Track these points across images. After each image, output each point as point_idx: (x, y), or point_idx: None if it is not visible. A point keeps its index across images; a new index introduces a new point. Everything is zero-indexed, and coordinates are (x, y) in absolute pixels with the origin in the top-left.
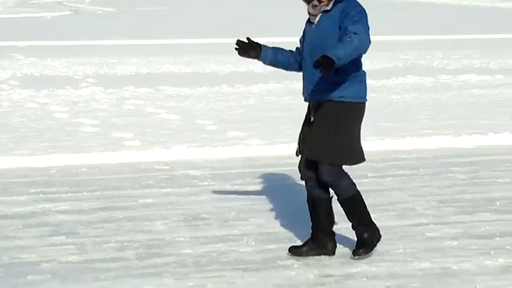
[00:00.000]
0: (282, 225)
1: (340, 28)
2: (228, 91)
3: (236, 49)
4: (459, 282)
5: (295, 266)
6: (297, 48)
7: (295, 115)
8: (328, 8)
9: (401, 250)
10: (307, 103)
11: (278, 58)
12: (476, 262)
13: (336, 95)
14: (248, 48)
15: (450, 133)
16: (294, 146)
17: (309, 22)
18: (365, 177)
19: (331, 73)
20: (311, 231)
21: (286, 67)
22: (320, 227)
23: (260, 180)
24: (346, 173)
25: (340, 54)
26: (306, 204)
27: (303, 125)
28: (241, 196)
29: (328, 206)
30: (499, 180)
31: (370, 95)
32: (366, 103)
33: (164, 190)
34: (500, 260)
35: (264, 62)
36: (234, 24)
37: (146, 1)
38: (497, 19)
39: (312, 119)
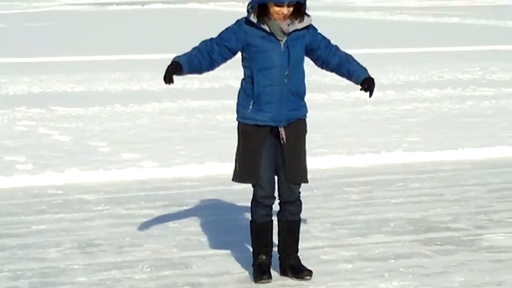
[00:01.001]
0: (177, 250)
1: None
2: (121, 111)
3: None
4: None
5: None
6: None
7: (189, 135)
8: (300, 27)
9: None
10: (255, 128)
11: (192, 67)
12: (370, 285)
13: (303, 113)
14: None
15: (343, 152)
16: (189, 167)
17: (268, 39)
18: None
19: (302, 91)
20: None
21: (201, 71)
22: (270, 249)
23: (154, 204)
24: None
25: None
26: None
27: (260, 151)
28: (135, 220)
29: None
30: (392, 201)
31: None
32: None
33: (57, 216)
34: (394, 283)
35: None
36: (127, 41)
37: (37, 17)
38: (388, 32)
39: (283, 141)
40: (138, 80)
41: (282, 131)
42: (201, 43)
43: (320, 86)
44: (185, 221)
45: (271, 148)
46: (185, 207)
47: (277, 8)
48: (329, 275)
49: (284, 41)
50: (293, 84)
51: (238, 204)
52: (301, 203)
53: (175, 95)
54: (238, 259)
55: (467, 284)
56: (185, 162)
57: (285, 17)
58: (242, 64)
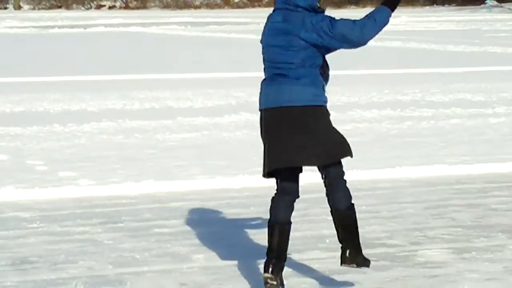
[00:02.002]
0: (112, 267)
1: None
2: (59, 130)
3: None
4: None
5: None
6: None
7: (127, 154)
8: None
9: None
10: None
11: None
12: None
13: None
14: None
15: None
16: (126, 185)
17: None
18: (196, 216)
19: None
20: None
21: None
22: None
23: (91, 221)
24: None
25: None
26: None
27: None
28: (70, 237)
29: None
30: (328, 218)
31: (202, 133)
32: None
33: None
34: None
35: None
36: (68, 62)
37: None
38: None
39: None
40: (78, 101)
41: None
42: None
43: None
44: (120, 238)
45: None
46: (120, 224)
47: None
48: None
49: None
50: None
51: (174, 220)
52: None
53: (114, 115)
54: (173, 275)
55: None
56: (122, 180)
57: None
58: (311, 55)
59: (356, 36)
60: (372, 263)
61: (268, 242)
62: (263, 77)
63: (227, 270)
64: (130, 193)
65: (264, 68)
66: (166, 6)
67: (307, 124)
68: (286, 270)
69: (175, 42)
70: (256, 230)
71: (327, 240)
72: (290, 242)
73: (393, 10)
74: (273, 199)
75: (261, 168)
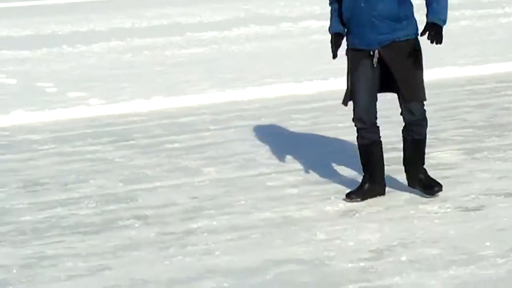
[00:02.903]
0: (123, 184)
1: None
2: (68, 52)
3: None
4: (299, 229)
5: (136, 225)
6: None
7: (136, 72)
8: None
9: (242, 202)
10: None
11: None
12: (316, 209)
13: (399, 34)
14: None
15: (291, 81)
16: (136, 102)
17: None
18: (207, 130)
19: (391, 14)
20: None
21: None
22: (379, 168)
23: (101, 140)
24: None
25: (444, 16)
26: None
27: (353, 75)
28: (81, 157)
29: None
30: (339, 125)
31: (211, 47)
32: None
33: (3, 157)
34: (340, 205)
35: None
36: None
37: None
38: None
39: (375, 64)
40: (87, 22)
41: (375, 54)
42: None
43: (269, 18)
44: (131, 155)
45: (369, 71)
46: (131, 142)
47: None
48: (275, 201)
49: None
50: (374, 8)
51: (186, 135)
52: (425, 122)
53: (123, 34)
54: (184, 190)
55: (414, 201)
56: (132, 97)
57: None
58: None
59: None
60: (385, 167)
61: None
62: None
63: (238, 182)
64: (140, 110)
65: None
66: None
67: None
68: (297, 179)
69: None
70: (267, 141)
71: (337, 147)
72: (300, 151)
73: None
74: None
75: (269, 80)
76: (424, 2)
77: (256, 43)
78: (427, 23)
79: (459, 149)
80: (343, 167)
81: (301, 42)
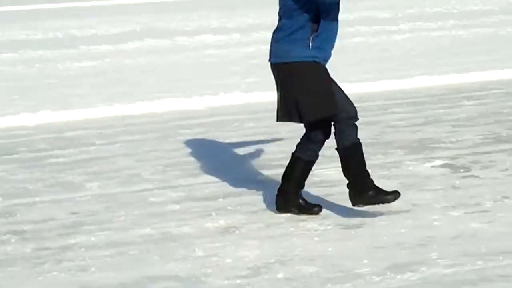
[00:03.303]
0: (2, 199)
1: None
2: None
3: None
4: (178, 246)
5: (12, 240)
6: None
7: (26, 85)
8: None
9: (123, 218)
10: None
11: None
12: (196, 225)
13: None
14: None
15: (180, 95)
16: (23, 116)
17: None
18: (92, 144)
19: None
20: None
21: None
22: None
23: None
24: None
25: None
26: None
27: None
28: None
29: None
30: (226, 141)
31: (104, 60)
32: None
33: None
34: (221, 221)
35: None
36: None
37: None
38: None
39: None
40: None
41: None
42: None
43: (165, 31)
44: (13, 169)
45: None
46: (15, 156)
47: None
48: (155, 217)
49: None
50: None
51: (71, 150)
52: None
53: (17, 46)
54: (65, 206)
55: (295, 218)
56: (19, 111)
57: None
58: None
59: None
60: (267, 184)
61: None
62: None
63: (120, 197)
64: (27, 124)
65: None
66: None
67: None
68: (180, 195)
69: None
70: (153, 156)
71: (223, 163)
72: (185, 167)
73: None
74: None
75: (159, 94)
76: None
77: (150, 57)
78: None
79: None
80: (226, 184)
81: (196, 56)
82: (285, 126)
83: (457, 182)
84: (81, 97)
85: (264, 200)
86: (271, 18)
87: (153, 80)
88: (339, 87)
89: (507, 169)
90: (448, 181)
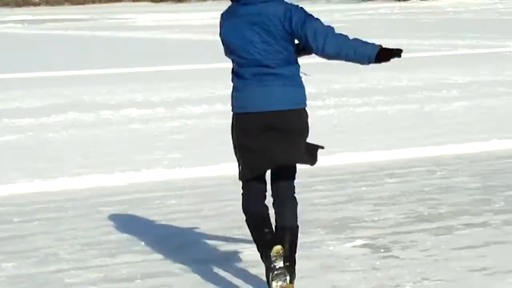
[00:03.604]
0: None
1: None
2: None
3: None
4: None
5: None
6: None
7: None
8: None
9: None
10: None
11: None
12: None
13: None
14: None
15: (103, 171)
16: None
17: None
18: (10, 222)
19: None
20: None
21: None
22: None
23: None
24: None
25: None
26: None
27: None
28: None
29: None
30: (148, 219)
31: (26, 134)
32: None
33: None
34: None
35: None
36: None
37: None
38: (169, 50)
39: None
40: None
41: None
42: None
43: (90, 105)
44: None
45: None
46: None
47: None
48: None
49: None
50: None
51: None
52: None
53: None
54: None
55: None
56: None
57: None
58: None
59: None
60: (186, 266)
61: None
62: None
63: (36, 278)
64: None
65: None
66: (5, 4)
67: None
68: (97, 276)
69: (9, 40)
70: (71, 235)
71: (143, 243)
72: (103, 246)
73: (381, 59)
74: None
75: (81, 170)
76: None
77: (73, 131)
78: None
79: None
80: (145, 264)
81: (120, 130)
82: (208, 203)
83: (377, 262)
84: (1, 172)
85: (183, 283)
86: (197, 92)
87: (76, 155)
88: None
89: (428, 249)
90: (368, 262)
